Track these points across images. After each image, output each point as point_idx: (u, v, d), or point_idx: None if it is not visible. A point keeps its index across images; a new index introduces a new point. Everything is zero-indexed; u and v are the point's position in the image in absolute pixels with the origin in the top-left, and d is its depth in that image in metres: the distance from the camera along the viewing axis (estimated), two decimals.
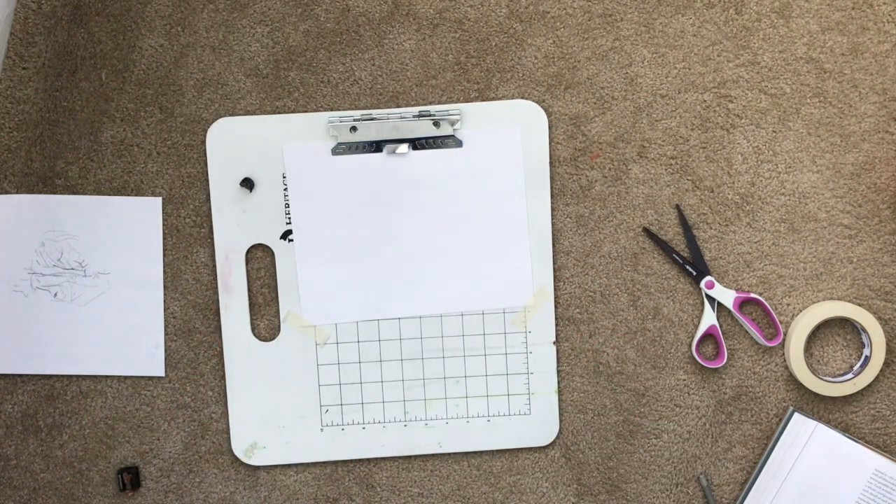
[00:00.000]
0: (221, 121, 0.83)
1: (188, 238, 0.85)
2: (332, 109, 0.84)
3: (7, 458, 0.85)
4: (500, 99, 0.84)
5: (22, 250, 0.84)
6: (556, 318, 0.86)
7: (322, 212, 0.83)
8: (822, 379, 0.86)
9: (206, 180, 0.84)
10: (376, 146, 0.83)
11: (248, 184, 0.83)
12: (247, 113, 0.84)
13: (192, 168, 0.85)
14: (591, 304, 0.86)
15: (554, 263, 0.85)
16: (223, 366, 0.86)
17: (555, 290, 0.85)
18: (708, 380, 0.86)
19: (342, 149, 0.83)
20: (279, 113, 0.84)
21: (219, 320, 0.85)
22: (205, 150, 0.84)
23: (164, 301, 0.85)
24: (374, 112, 0.83)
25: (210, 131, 0.83)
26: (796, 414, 0.86)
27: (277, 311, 0.86)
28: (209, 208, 0.84)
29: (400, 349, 0.85)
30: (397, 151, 0.83)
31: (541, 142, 0.83)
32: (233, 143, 0.83)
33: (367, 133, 0.83)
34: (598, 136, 0.85)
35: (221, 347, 0.85)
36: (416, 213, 0.83)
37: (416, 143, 0.83)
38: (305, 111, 0.84)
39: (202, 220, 0.85)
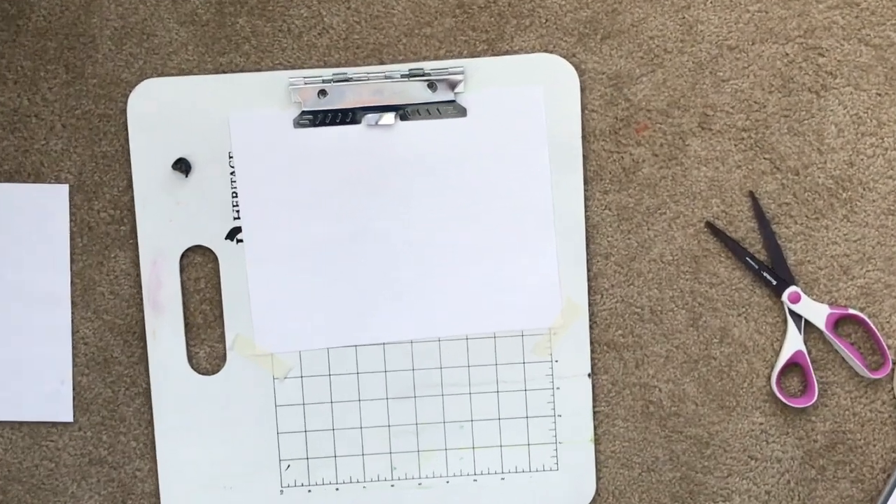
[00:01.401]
0: (147, 83, 0.77)
1: (104, 238, 0.79)
2: (294, 67, 0.78)
3: None
4: (515, 53, 0.77)
5: None
6: (592, 343, 0.80)
7: (281, 203, 0.78)
8: None
9: (128, 162, 0.79)
10: (353, 116, 0.77)
11: (182, 166, 0.77)
12: (181, 72, 0.78)
13: (108, 146, 0.79)
14: (637, 324, 0.80)
15: (588, 270, 0.79)
16: (150, 408, 0.80)
17: (590, 304, 0.79)
18: (793, 423, 0.80)
19: (307, 120, 0.77)
20: (224, 72, 0.78)
21: (144, 347, 0.79)
22: (125, 121, 0.78)
23: (73, 322, 0.79)
24: (350, 71, 0.77)
25: (132, 97, 0.77)
26: None
27: (222, 335, 0.80)
28: (131, 199, 0.79)
29: (385, 385, 0.79)
30: (380, 122, 0.77)
31: (570, 110, 0.77)
32: (162, 112, 0.78)
33: (341, 98, 0.77)
34: (645, 101, 0.79)
35: (148, 383, 0.80)
36: (405, 204, 0.77)
37: (406, 112, 0.77)
38: (259, 70, 0.78)
39: (122, 215, 0.79)
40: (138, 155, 0.79)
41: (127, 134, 0.80)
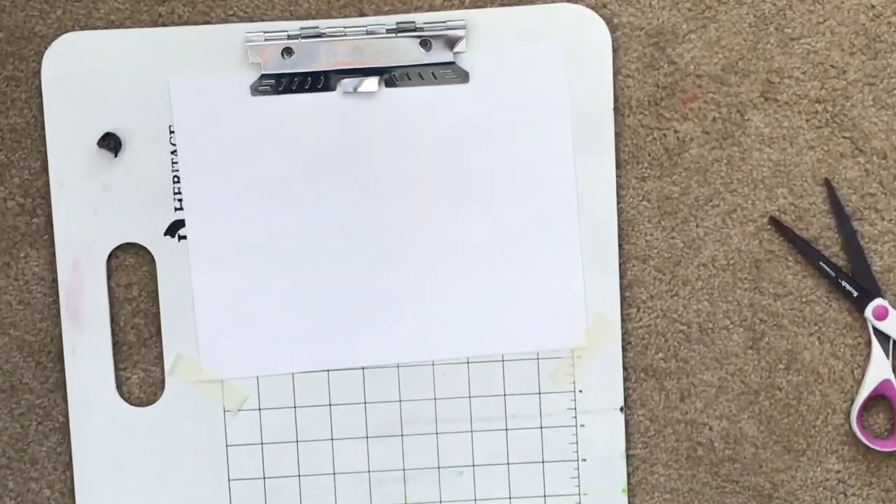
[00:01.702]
0: (66, 37, 0.72)
1: (10, 234, 0.73)
2: (251, 20, 0.72)
3: None
4: (531, 2, 0.69)
5: None
6: (626, 368, 0.75)
7: (235, 190, 0.72)
8: None
9: (42, 137, 0.73)
10: (325, 81, 0.71)
11: (110, 143, 0.71)
12: (109, 24, 0.73)
13: (16, 117, 0.73)
14: (682, 345, 0.74)
15: (621, 277, 0.73)
16: (69, 447, 0.73)
17: (622, 320, 0.73)
18: (878, 471, 0.74)
19: (268, 85, 0.70)
20: (163, 25, 0.73)
21: (62, 371, 0.73)
22: (39, 86, 0.72)
23: None
24: (323, 24, 0.71)
25: (47, 56, 0.72)
26: None
27: (160, 356, 0.73)
28: (46, 183, 0.72)
29: (365, 420, 0.74)
30: (360, 89, 0.71)
31: (600, 75, 0.72)
32: (86, 75, 0.72)
33: (311, 59, 0.71)
34: (694, 64, 0.72)
35: (66, 416, 0.73)
36: (391, 193, 0.72)
37: (393, 76, 0.71)
38: (207, 22, 0.72)
39: (34, 204, 0.73)
40: (55, 129, 0.73)
41: (41, 102, 0.73)
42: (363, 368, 0.74)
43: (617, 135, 0.75)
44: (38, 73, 0.74)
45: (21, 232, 0.74)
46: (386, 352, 0.74)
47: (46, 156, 0.74)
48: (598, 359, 0.75)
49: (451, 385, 0.75)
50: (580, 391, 0.75)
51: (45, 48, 0.74)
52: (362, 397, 0.75)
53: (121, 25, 0.73)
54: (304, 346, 0.75)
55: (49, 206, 0.74)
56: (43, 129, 0.74)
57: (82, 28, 0.74)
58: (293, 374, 0.75)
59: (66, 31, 0.74)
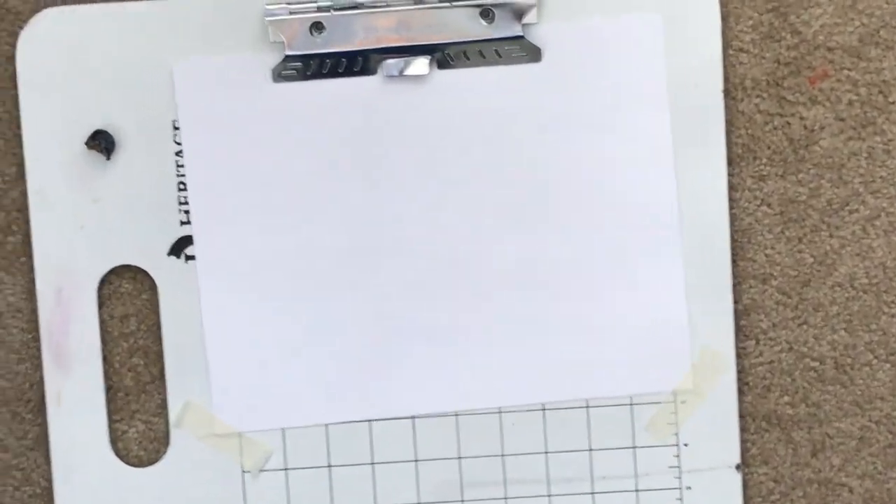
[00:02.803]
0: (46, 13, 0.67)
1: None
2: None
3: None
4: None
5: None
6: (743, 416, 0.68)
7: (254, 199, 0.67)
8: None
9: (18, 137, 0.68)
10: (364, 63, 0.66)
11: (101, 143, 0.66)
12: None
13: None
14: (814, 386, 0.67)
15: (736, 302, 0.67)
16: None
17: (738, 356, 0.67)
18: None
19: (294, 69, 0.66)
20: None
21: (44, 423, 0.67)
22: (13, 74, 0.67)
23: None
24: None
25: (23, 36, 0.66)
26: None
27: (164, 404, 0.67)
28: (23, 193, 0.67)
29: (416, 482, 0.68)
30: (408, 72, 0.66)
31: (706, 49, 0.66)
32: (71, 59, 0.67)
33: (346, 36, 0.66)
34: (824, 34, 0.66)
35: (50, 480, 0.68)
36: (447, 199, 0.66)
37: (447, 56, 0.66)
38: None
39: (9, 220, 0.68)
40: (33, 126, 0.68)
41: (16, 94, 0.68)
42: (413, 418, 0.69)
43: (728, 123, 0.69)
44: (11, 59, 0.69)
45: None
46: (441, 397, 0.69)
47: (23, 159, 0.69)
48: (708, 404, 0.69)
49: (522, 438, 0.69)
50: (685, 445, 0.69)
51: (21, 27, 0.69)
52: (412, 454, 0.69)
53: None
54: (340, 391, 0.69)
55: (27, 222, 0.69)
56: (18, 126, 0.69)
57: (66, 2, 0.68)
58: (326, 425, 0.69)
59: (46, 6, 0.68)
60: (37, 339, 0.70)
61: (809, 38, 0.68)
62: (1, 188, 0.69)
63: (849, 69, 0.68)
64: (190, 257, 0.69)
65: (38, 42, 0.69)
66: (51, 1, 0.69)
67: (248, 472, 0.69)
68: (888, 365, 0.69)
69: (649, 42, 0.67)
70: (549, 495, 0.69)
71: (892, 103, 0.68)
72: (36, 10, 0.69)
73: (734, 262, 0.69)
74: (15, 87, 0.69)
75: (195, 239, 0.69)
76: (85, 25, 0.69)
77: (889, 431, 0.69)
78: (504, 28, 0.67)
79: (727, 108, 0.69)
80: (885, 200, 0.68)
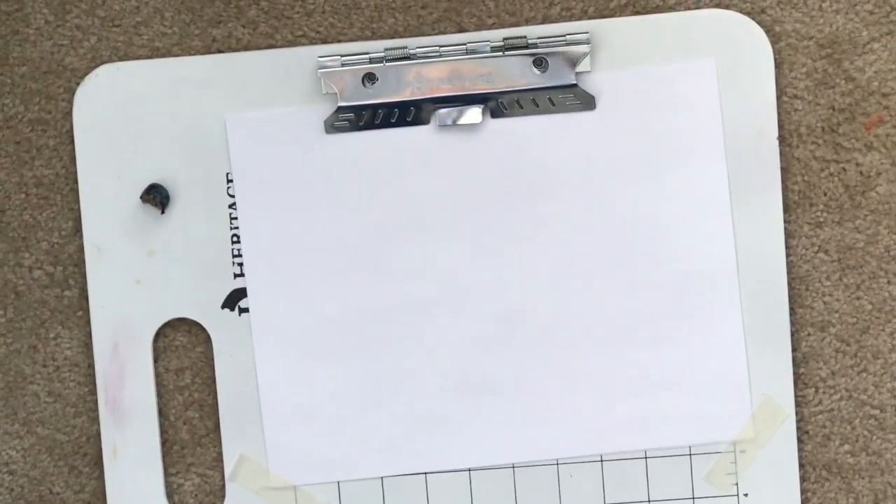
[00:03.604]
0: (104, 70, 0.67)
1: (37, 310, 0.69)
2: (324, 41, 0.67)
3: None
4: (671, 9, 0.66)
5: None
6: (804, 465, 0.67)
7: (308, 251, 0.67)
8: None
9: (74, 191, 0.68)
10: (416, 112, 0.65)
11: (156, 197, 0.66)
12: (153, 53, 0.67)
13: (44, 168, 0.69)
14: (875, 434, 0.67)
15: (794, 350, 0.66)
16: None
17: (797, 405, 0.66)
18: None
19: (347, 120, 0.66)
20: (219, 51, 0.68)
21: (101, 477, 0.69)
22: (70, 130, 0.68)
23: None
24: (412, 43, 0.66)
25: (80, 92, 0.67)
26: None
27: (219, 457, 0.68)
28: (80, 248, 0.68)
29: None
30: (460, 121, 0.66)
31: (761, 95, 0.66)
32: (126, 114, 0.67)
33: (398, 86, 0.65)
34: (878, 79, 0.66)
35: None
36: (501, 250, 0.64)
37: (500, 104, 0.65)
38: (271, 46, 0.68)
39: (66, 274, 0.69)
40: (89, 181, 0.68)
41: (72, 149, 0.69)
42: (469, 470, 0.69)
43: (784, 170, 0.69)
44: (69, 115, 0.70)
45: (50, 308, 0.70)
46: (498, 449, 0.68)
47: (80, 214, 0.70)
48: (768, 454, 0.69)
49: (580, 489, 0.68)
50: (745, 495, 0.68)
51: (77, 84, 0.70)
52: None
53: (167, 53, 0.69)
54: (395, 444, 0.68)
55: (83, 276, 0.70)
56: (75, 181, 0.70)
57: (121, 58, 0.69)
58: (382, 478, 0.69)
59: (102, 63, 0.70)
60: (93, 392, 0.71)
61: (863, 85, 0.69)
62: (58, 243, 0.71)
63: None
64: (244, 310, 0.69)
65: (94, 98, 0.70)
66: (106, 56, 0.70)
67: None
68: None
69: (704, 89, 0.67)
70: None
71: None
72: (92, 66, 0.70)
73: (792, 309, 0.69)
74: (72, 142, 0.70)
75: (249, 291, 0.69)
76: (140, 81, 0.69)
77: None
78: (557, 76, 0.67)
79: (782, 155, 0.69)
80: None
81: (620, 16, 0.68)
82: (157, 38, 0.70)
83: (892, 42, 0.68)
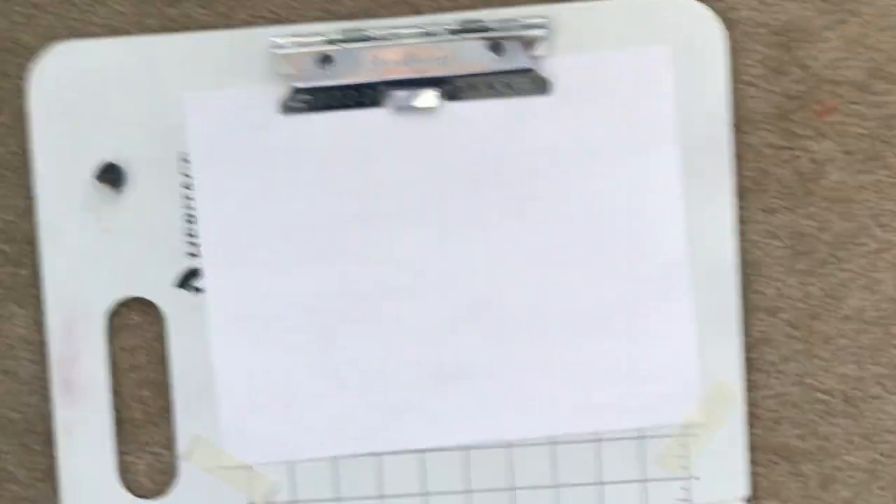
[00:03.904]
0: (58, 48, 0.66)
1: None
2: (281, 22, 0.67)
3: None
4: None
5: None
6: (753, 449, 0.67)
7: (263, 231, 0.66)
8: None
9: (27, 170, 0.67)
10: (372, 94, 0.65)
11: (111, 176, 0.66)
12: (109, 31, 0.67)
13: None
14: (823, 419, 0.66)
15: (745, 335, 0.66)
16: None
17: (748, 389, 0.66)
18: None
19: (302, 102, 0.66)
20: (175, 30, 0.67)
21: (53, 455, 0.67)
22: (23, 108, 0.67)
23: None
24: (368, 25, 0.66)
25: (35, 72, 0.66)
26: None
27: (173, 436, 0.67)
28: (33, 227, 0.67)
29: None
30: (416, 104, 0.65)
31: (714, 83, 0.65)
32: (81, 93, 0.67)
33: (354, 68, 0.65)
34: (831, 68, 0.66)
35: None
36: (452, 232, 0.65)
37: (455, 88, 0.65)
38: (228, 26, 0.67)
39: (19, 253, 0.68)
40: (44, 160, 0.67)
41: (26, 127, 0.68)
42: (423, 451, 0.69)
43: (736, 157, 0.69)
44: (22, 92, 0.69)
45: (4, 286, 0.69)
46: (450, 431, 0.69)
47: (33, 193, 0.70)
48: (718, 438, 0.69)
49: (532, 472, 0.68)
50: (696, 478, 0.69)
51: (32, 61, 0.69)
52: (421, 487, 0.69)
53: (123, 32, 0.68)
54: (349, 425, 0.69)
55: (36, 256, 0.71)
56: (29, 160, 0.70)
57: (77, 36, 0.69)
58: (335, 458, 0.70)
59: (57, 41, 0.70)
60: (46, 371, 0.70)
61: (817, 73, 0.69)
62: (12, 221, 0.70)
63: (856, 103, 0.68)
64: (199, 289, 0.70)
65: (48, 76, 0.70)
66: (62, 34, 0.69)
67: None
68: None
69: (659, 75, 0.68)
70: None
71: None
72: (46, 43, 0.70)
73: (743, 295, 0.69)
74: (25, 121, 0.70)
75: (204, 271, 0.69)
76: (95, 59, 0.69)
77: None
78: (513, 60, 0.67)
79: (735, 141, 0.69)
80: (893, 234, 0.68)
81: (578, 1, 0.70)
82: (113, 17, 0.69)
83: (846, 31, 0.68)
